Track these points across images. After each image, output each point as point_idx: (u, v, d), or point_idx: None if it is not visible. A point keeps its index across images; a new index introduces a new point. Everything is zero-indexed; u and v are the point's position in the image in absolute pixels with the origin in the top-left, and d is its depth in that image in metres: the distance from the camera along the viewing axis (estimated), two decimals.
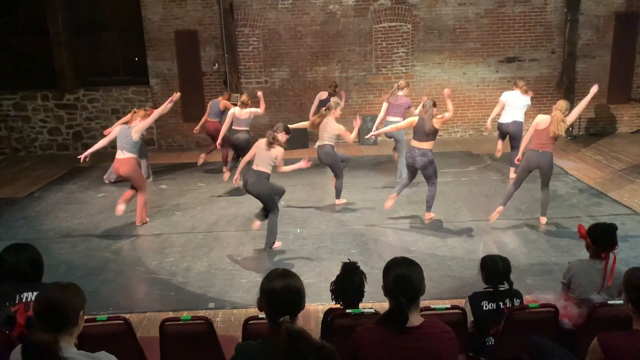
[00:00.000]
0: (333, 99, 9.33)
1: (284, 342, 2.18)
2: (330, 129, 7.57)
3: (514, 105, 8.66)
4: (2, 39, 11.77)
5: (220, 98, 9.66)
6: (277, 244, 6.47)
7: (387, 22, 11.74)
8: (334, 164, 7.73)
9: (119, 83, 11.90)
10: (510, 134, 8.70)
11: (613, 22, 11.77)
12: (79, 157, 7.05)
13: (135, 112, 7.55)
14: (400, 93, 8.55)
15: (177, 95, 7.38)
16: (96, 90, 11.82)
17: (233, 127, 8.58)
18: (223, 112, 9.37)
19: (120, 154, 6.93)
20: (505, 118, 8.73)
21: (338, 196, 7.89)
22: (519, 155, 6.97)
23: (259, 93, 9.04)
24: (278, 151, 6.15)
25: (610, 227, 3.86)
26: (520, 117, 8.66)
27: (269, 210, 6.28)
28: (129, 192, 7.19)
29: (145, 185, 7.25)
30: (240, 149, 8.37)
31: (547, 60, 11.95)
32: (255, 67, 11.79)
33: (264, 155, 6.14)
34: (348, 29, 11.73)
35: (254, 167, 6.19)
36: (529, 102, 8.79)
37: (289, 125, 6.64)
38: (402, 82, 8.80)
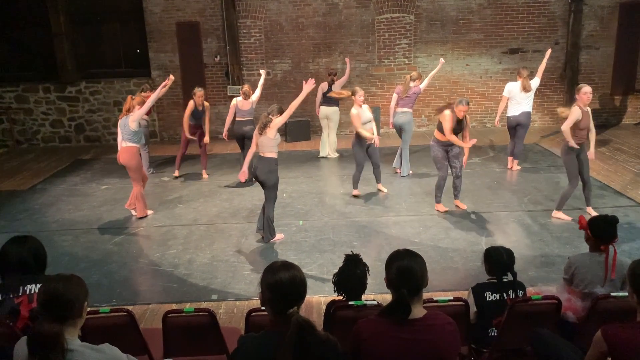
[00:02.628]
0: (338, 83, 9.51)
1: (294, 333, 2.18)
2: (351, 117, 7.66)
3: (518, 97, 8.63)
4: (3, 31, 11.75)
5: (191, 98, 8.62)
6: (279, 236, 6.48)
7: (390, 13, 11.67)
8: (354, 154, 7.81)
9: (120, 75, 11.88)
10: (520, 124, 8.71)
11: (617, 13, 11.69)
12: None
13: (132, 99, 7.44)
14: (412, 84, 8.57)
15: (171, 79, 7.25)
16: (98, 82, 11.81)
17: (237, 119, 8.52)
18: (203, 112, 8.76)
19: (123, 144, 6.99)
20: (513, 111, 8.71)
21: (355, 186, 7.93)
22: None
23: (262, 72, 9.08)
24: (273, 126, 6.03)
25: (610, 220, 3.83)
26: (528, 107, 8.67)
27: (266, 199, 6.27)
28: (132, 196, 7.26)
29: (139, 177, 7.16)
30: (248, 137, 8.35)
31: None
32: (257, 59, 11.75)
33: (263, 141, 6.11)
34: (350, 20, 11.67)
35: (261, 154, 6.17)
36: (537, 85, 8.73)
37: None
38: (414, 73, 8.83)
